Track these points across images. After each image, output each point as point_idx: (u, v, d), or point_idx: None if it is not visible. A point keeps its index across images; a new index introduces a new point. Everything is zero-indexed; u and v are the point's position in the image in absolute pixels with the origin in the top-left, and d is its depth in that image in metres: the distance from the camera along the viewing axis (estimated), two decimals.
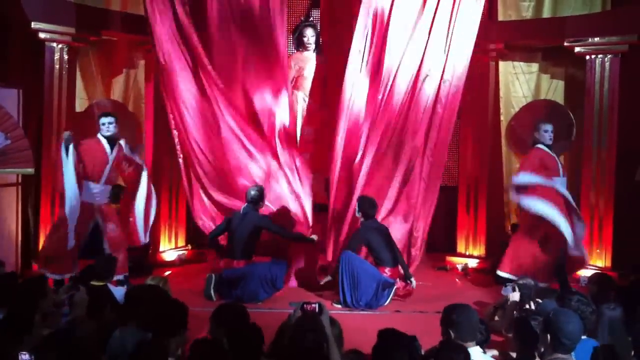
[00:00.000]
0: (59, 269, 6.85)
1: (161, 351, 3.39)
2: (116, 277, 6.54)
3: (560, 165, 7.43)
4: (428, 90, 7.28)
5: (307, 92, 8.05)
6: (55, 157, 7.11)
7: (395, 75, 7.22)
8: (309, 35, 8.03)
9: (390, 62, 7.18)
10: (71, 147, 6.73)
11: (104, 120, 7.18)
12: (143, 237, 7.27)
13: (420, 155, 7.39)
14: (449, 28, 7.22)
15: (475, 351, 3.65)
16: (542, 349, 4.04)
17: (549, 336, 3.52)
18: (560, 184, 7.24)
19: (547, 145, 7.40)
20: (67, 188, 6.70)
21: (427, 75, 7.24)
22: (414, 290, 6.99)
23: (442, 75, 7.27)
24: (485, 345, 4.21)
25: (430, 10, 7.17)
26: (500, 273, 7.29)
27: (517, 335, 4.02)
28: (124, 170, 7.27)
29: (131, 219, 7.18)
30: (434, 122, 7.34)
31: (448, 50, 7.24)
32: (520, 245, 7.30)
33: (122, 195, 7.51)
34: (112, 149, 7.13)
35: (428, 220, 7.58)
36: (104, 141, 7.11)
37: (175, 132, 7.61)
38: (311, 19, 8.30)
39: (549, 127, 7.46)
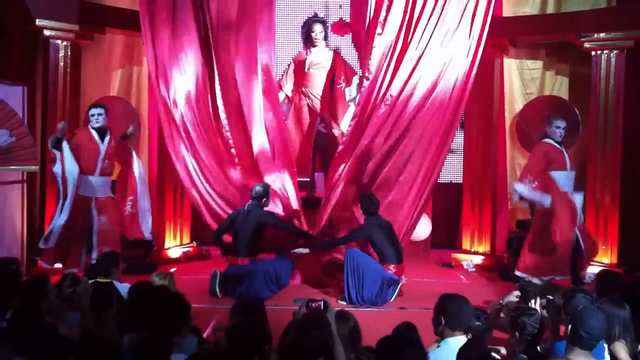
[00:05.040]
0: (66, 263, 7.09)
1: (162, 348, 3.38)
2: None
3: (567, 159, 7.45)
4: (429, 86, 7.27)
5: (310, 89, 8.00)
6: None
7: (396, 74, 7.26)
8: (318, 31, 7.99)
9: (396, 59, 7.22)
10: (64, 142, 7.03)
11: (93, 111, 7.35)
12: (148, 233, 7.56)
13: (420, 151, 7.37)
14: (451, 26, 7.21)
15: (462, 340, 3.64)
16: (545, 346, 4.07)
17: (569, 328, 3.51)
18: (565, 181, 7.35)
19: (556, 142, 7.44)
20: (71, 171, 7.03)
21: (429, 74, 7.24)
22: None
23: (441, 74, 7.26)
24: (487, 336, 4.21)
25: (433, 10, 7.17)
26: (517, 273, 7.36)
27: (512, 332, 4.04)
28: (118, 159, 7.55)
29: (130, 211, 7.44)
30: (432, 119, 7.32)
31: (452, 50, 7.24)
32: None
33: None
34: (102, 140, 7.28)
35: (417, 215, 7.55)
36: (94, 133, 7.27)
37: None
38: (322, 15, 8.26)
39: (561, 123, 7.49)
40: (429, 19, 7.18)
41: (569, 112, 8.28)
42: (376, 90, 7.21)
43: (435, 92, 7.26)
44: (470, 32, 7.26)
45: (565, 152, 7.50)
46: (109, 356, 3.33)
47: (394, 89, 7.23)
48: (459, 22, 7.22)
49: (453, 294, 3.88)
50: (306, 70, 7.97)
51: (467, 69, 7.30)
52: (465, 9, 7.22)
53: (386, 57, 7.17)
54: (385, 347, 3.29)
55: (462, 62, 7.28)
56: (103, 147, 7.26)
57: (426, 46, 7.18)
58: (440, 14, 7.16)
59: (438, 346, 3.69)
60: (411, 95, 7.23)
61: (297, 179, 8.66)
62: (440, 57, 7.24)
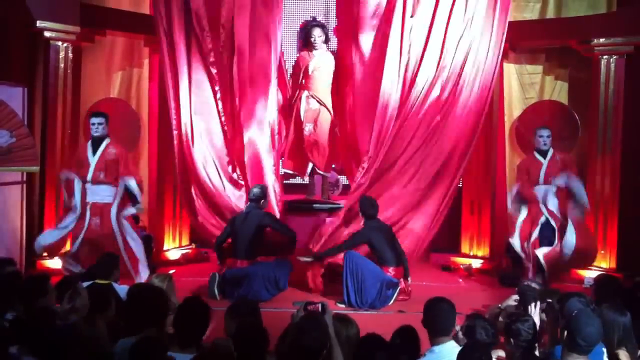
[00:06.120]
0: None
1: (160, 346, 3.37)
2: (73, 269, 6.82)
3: (543, 172, 7.57)
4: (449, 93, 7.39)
5: (314, 92, 8.01)
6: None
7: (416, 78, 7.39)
8: (317, 35, 8.01)
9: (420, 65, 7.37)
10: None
11: (94, 120, 7.34)
12: (144, 274, 7.21)
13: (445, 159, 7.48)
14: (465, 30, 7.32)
15: (450, 346, 3.66)
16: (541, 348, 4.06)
17: (565, 334, 3.51)
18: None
19: (540, 151, 7.59)
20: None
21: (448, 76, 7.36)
22: (410, 288, 6.99)
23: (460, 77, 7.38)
24: (492, 346, 4.21)
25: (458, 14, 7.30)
26: None
27: (507, 339, 4.04)
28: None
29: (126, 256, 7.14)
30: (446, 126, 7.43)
31: (472, 54, 7.37)
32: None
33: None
34: (95, 151, 7.26)
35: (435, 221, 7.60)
36: (89, 145, 7.32)
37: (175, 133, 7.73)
38: (319, 18, 8.30)
39: (544, 132, 7.64)
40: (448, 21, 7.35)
41: (568, 116, 8.30)
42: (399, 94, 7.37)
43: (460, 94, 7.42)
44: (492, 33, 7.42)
45: (545, 164, 7.59)
46: (102, 357, 3.35)
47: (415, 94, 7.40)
48: (483, 25, 7.36)
49: (436, 299, 3.87)
50: (310, 73, 8.00)
51: (491, 71, 7.50)
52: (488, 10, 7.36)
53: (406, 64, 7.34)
54: (359, 348, 3.32)
55: (483, 63, 7.42)
56: (94, 160, 7.24)
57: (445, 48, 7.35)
58: (465, 17, 7.29)
59: (424, 355, 3.68)
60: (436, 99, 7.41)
61: (297, 181, 8.70)
62: (463, 59, 7.37)
